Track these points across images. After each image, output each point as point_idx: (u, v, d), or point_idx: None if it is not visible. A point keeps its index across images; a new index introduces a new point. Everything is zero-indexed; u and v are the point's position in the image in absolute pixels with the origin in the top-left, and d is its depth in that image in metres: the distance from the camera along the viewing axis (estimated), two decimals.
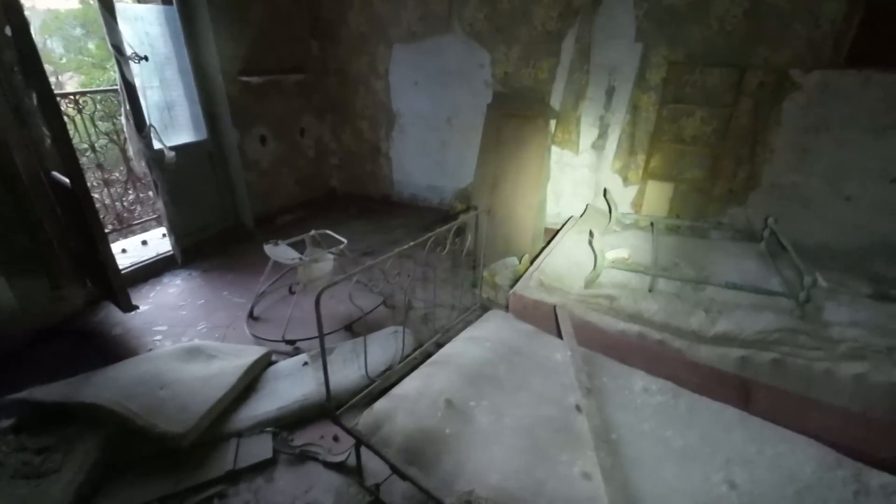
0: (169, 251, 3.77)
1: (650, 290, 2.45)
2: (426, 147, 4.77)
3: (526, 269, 3.35)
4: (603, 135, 3.79)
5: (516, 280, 3.34)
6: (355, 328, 3.01)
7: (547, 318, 2.47)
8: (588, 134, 3.85)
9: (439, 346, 2.20)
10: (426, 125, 4.67)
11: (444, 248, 2.20)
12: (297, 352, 2.79)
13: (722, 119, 3.34)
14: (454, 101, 4.42)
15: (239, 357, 2.61)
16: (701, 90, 3.34)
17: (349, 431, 1.73)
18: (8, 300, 2.72)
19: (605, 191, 3.21)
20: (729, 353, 2.12)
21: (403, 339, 2.38)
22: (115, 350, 2.76)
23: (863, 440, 1.96)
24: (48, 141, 2.71)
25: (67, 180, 2.54)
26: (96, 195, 4.58)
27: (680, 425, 1.60)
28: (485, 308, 2.70)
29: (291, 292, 3.36)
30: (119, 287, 2.86)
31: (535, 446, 1.50)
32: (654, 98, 3.49)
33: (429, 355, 2.12)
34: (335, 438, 2.19)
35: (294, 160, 4.82)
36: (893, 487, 1.39)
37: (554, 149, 3.98)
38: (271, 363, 2.68)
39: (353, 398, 2.00)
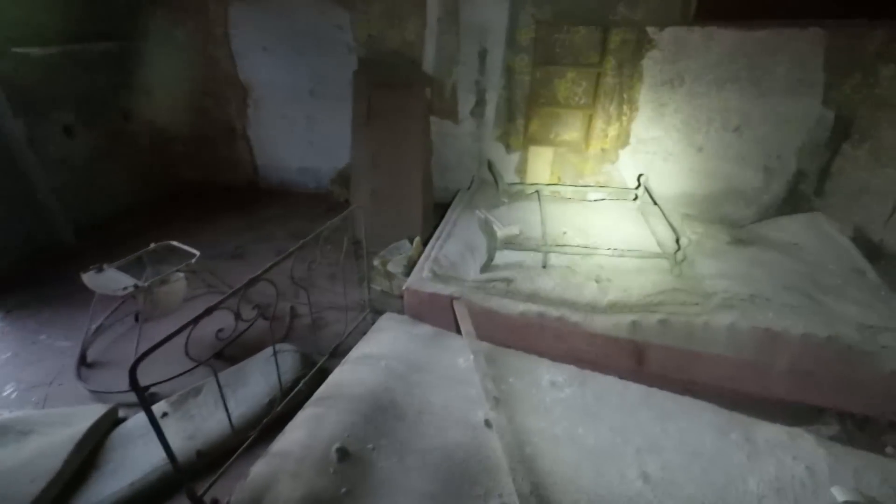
0: None
1: (544, 266, 2.39)
2: (290, 124, 4.17)
3: (419, 254, 3.13)
4: (481, 101, 3.61)
5: (410, 266, 3.10)
6: (229, 353, 2.54)
7: (446, 312, 2.29)
8: (466, 101, 3.64)
9: (336, 356, 1.89)
10: (286, 99, 4.05)
11: (316, 262, 1.85)
12: (153, 400, 2.26)
13: (591, 79, 3.35)
14: (315, 70, 3.87)
15: (68, 424, 2.02)
16: (570, 50, 3.30)
17: None
18: None
19: (489, 163, 3.06)
20: (621, 319, 2.15)
21: (279, 368, 1.98)
22: None
23: (735, 380, 2.14)
24: None
25: None
26: None
27: (589, 420, 1.53)
28: (377, 310, 2.43)
29: (137, 320, 2.72)
30: None
31: (445, 487, 1.31)
32: (527, 60, 3.37)
33: (323, 374, 1.81)
34: (198, 502, 1.80)
35: (121, 151, 3.89)
36: (775, 440, 1.48)
37: (433, 119, 3.71)
38: (118, 422, 2.14)
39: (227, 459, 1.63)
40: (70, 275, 3.18)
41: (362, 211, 2.24)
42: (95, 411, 2.09)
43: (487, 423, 1.51)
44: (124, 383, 2.28)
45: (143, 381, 2.31)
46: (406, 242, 3.39)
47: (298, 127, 4.18)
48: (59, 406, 2.21)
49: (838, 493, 1.28)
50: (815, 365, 1.99)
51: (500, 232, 2.53)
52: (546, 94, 3.45)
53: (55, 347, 2.59)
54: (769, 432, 1.52)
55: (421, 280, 2.41)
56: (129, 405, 2.24)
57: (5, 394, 2.30)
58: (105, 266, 2.39)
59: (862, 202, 2.84)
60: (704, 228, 2.75)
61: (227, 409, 1.60)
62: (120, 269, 2.44)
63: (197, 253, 2.47)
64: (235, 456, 1.58)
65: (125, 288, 2.25)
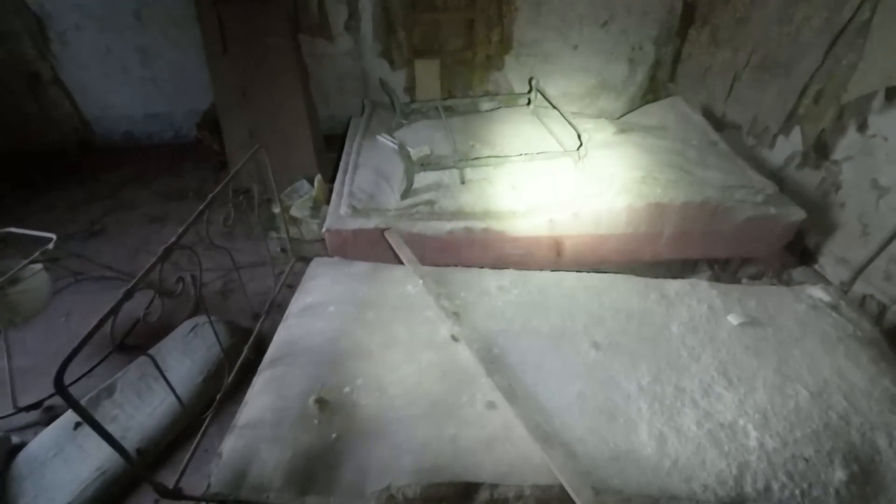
0: None
1: (463, 182, 2.40)
2: (118, 61, 3.36)
3: (324, 194, 2.94)
4: (354, 13, 3.24)
5: (317, 208, 2.91)
6: (133, 342, 2.22)
7: (374, 246, 2.23)
8: (337, 13, 3.25)
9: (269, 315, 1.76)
10: (103, 27, 3.20)
11: (230, 218, 1.62)
12: (53, 416, 1.91)
13: None
14: None
15: None
16: None
17: (203, 500, 1.29)
18: None
19: (381, 82, 2.85)
20: (540, 219, 2.31)
21: (218, 336, 1.78)
22: None
23: (635, 251, 2.50)
24: None
25: None
26: None
27: (540, 311, 1.68)
28: (301, 257, 2.27)
29: None
30: None
31: (431, 404, 1.37)
32: None
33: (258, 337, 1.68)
34: (176, 494, 1.66)
35: None
36: (682, 291, 1.80)
37: (303, 39, 3.27)
38: (15, 450, 1.79)
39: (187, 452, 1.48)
40: None
41: (264, 152, 1.97)
42: None
43: (454, 338, 1.57)
44: (5, 404, 1.91)
45: (27, 398, 1.95)
46: (304, 183, 3.14)
47: (131, 63, 3.39)
48: None
49: (733, 319, 1.63)
50: (692, 225, 2.39)
51: (413, 154, 2.45)
52: None
53: None
54: (676, 286, 1.83)
55: (340, 218, 2.27)
56: (20, 428, 1.88)
57: None
58: None
59: (706, 83, 3.28)
60: (593, 123, 2.96)
61: (171, 387, 1.43)
62: None
63: (53, 237, 1.99)
64: (201, 433, 1.44)
65: None
